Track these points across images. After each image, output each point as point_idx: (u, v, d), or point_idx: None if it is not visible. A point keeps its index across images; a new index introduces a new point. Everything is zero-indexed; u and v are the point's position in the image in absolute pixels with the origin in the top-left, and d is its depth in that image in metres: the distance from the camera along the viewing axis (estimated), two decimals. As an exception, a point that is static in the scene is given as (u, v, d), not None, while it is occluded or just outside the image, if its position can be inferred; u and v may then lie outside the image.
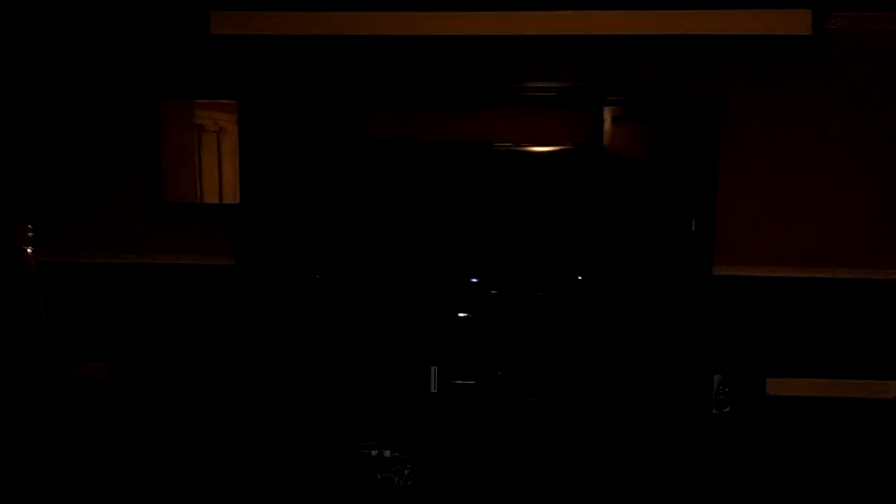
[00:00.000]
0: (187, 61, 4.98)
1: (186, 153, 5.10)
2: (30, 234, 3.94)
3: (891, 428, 4.45)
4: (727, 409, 4.47)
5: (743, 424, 4.40)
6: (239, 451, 3.97)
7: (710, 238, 4.50)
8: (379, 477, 3.57)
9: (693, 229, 4.49)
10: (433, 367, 4.43)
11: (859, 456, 4.03)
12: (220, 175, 5.12)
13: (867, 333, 4.85)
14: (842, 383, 4.88)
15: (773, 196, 4.81)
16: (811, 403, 4.78)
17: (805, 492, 3.58)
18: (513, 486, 3.60)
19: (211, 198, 5.10)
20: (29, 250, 3.93)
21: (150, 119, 5.03)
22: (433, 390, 4.43)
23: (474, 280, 4.65)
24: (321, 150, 4.72)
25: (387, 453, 3.73)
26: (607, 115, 4.47)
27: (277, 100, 4.74)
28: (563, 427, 4.23)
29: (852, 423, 4.52)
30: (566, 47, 4.61)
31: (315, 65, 4.87)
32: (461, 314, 4.56)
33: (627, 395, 4.43)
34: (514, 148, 4.69)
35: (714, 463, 3.88)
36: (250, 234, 4.83)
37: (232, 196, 5.09)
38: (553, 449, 4.03)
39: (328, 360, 4.56)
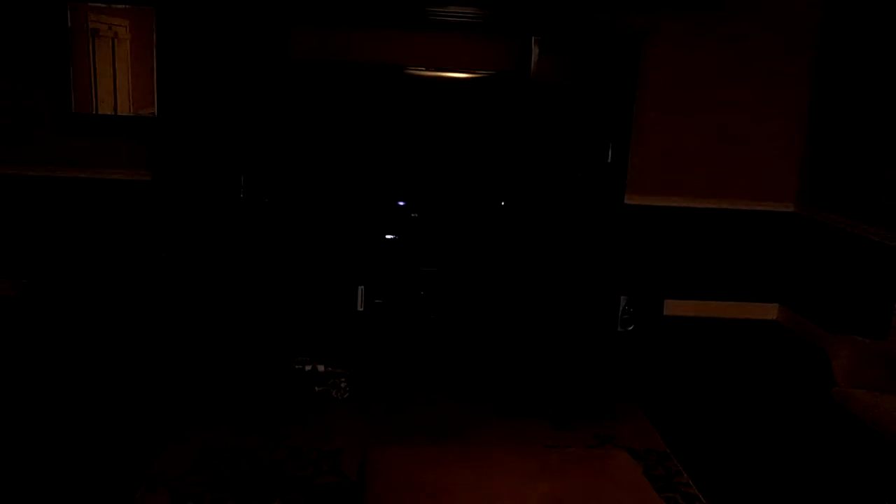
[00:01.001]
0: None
1: (85, 61, 4.86)
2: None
3: (771, 344, 4.98)
4: (631, 327, 4.85)
5: (644, 340, 4.81)
6: (166, 368, 3.99)
7: (623, 168, 4.77)
8: (317, 390, 3.70)
9: (609, 160, 4.74)
10: (360, 287, 4.54)
11: (744, 367, 4.52)
12: (114, 84, 4.93)
13: (754, 260, 5.33)
14: (730, 305, 5.36)
15: (682, 131, 5.12)
16: (703, 323, 5.25)
17: (696, 397, 4.01)
18: (439, 396, 3.83)
19: (106, 108, 4.91)
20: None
21: (58, 24, 4.74)
22: (360, 309, 4.55)
23: (402, 203, 4.75)
24: (244, 64, 4.60)
25: (321, 368, 3.86)
26: (535, 45, 4.58)
27: (199, 8, 4.56)
28: (484, 341, 4.48)
29: (739, 340, 5.03)
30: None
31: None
32: (388, 236, 4.68)
33: (543, 312, 4.71)
34: (440, 73, 4.75)
35: (620, 373, 4.26)
36: (168, 149, 4.70)
37: (127, 106, 4.92)
38: (474, 360, 4.28)
39: (253, 279, 4.58)
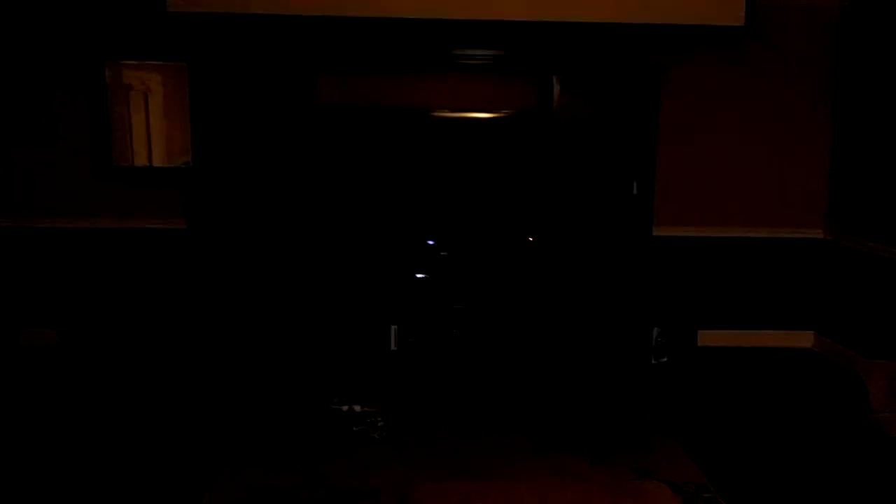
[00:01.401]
0: (132, 20, 4.89)
1: (122, 115, 5.04)
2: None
3: (807, 372, 4.94)
4: (664, 359, 4.85)
5: (678, 372, 4.80)
6: (204, 411, 4.07)
7: (649, 201, 4.81)
8: (354, 430, 3.75)
9: (635, 192, 4.78)
10: (393, 327, 4.61)
11: (780, 396, 4.48)
12: (148, 136, 5.09)
13: (786, 288, 5.31)
14: (764, 334, 5.34)
15: (705, 163, 5.17)
16: (737, 352, 5.22)
17: (733, 427, 3.99)
18: (475, 433, 3.86)
19: (141, 159, 5.08)
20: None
21: (96, 81, 4.94)
22: (394, 348, 4.61)
23: (431, 243, 4.83)
24: (273, 113, 4.73)
25: (357, 408, 3.91)
26: (556, 83, 4.68)
27: (228, 62, 4.73)
28: (518, 377, 4.51)
29: (774, 368, 4.99)
30: (514, 31, 4.75)
31: (266, 30, 4.87)
32: (419, 275, 4.75)
33: (575, 346, 4.73)
34: (465, 114, 4.87)
35: (655, 405, 4.25)
36: (203, 197, 4.83)
37: (161, 157, 5.08)
38: (509, 396, 4.31)
39: (290, 321, 4.67)
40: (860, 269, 4.87)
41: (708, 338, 5.26)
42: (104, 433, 3.80)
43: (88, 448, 3.63)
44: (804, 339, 5.35)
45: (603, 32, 4.72)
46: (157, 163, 5.07)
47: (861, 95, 4.89)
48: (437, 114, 4.88)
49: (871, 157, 4.78)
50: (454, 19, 4.58)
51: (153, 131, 5.07)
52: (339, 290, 4.71)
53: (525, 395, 4.33)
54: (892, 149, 4.58)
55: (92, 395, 4.28)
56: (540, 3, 4.58)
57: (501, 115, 4.89)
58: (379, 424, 3.78)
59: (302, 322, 4.66)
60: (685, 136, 5.12)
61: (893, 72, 4.57)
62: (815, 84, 5.13)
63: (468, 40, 4.83)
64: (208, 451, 3.59)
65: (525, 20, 4.61)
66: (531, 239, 4.82)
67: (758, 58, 5.07)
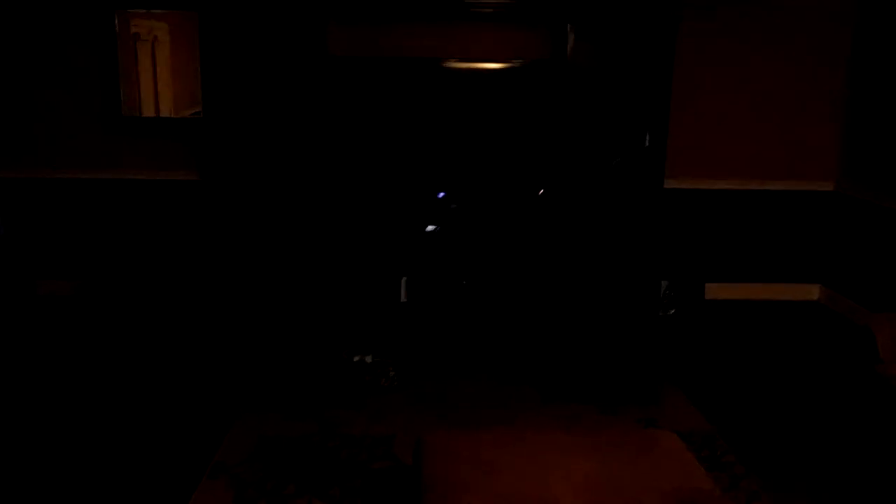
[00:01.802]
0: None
1: (130, 65, 5.01)
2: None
3: (813, 325, 4.98)
4: (672, 312, 4.88)
5: (686, 324, 4.84)
6: (218, 362, 4.13)
7: (662, 153, 4.77)
8: (367, 379, 3.81)
9: (647, 144, 4.75)
10: (403, 279, 4.64)
11: (787, 348, 4.53)
12: (155, 87, 5.07)
13: (794, 241, 5.31)
14: (771, 287, 5.36)
15: (717, 115, 5.13)
16: (744, 305, 5.25)
17: (739, 378, 4.04)
18: (485, 383, 3.92)
19: (148, 110, 5.06)
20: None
21: (106, 30, 4.90)
22: (404, 300, 4.65)
23: (441, 195, 4.83)
24: (284, 63, 4.69)
25: (368, 359, 3.97)
26: (570, 32, 4.61)
27: (239, 11, 4.67)
28: (527, 328, 4.54)
29: (780, 321, 5.02)
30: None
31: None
32: (429, 227, 4.76)
33: (585, 298, 4.75)
34: (476, 64, 4.81)
35: (663, 357, 4.30)
36: (215, 148, 4.83)
37: (168, 109, 5.06)
38: (518, 348, 4.36)
39: (301, 273, 4.70)
40: (869, 222, 4.86)
41: (716, 290, 5.28)
42: (117, 382, 3.87)
43: (101, 396, 3.70)
44: (811, 292, 5.37)
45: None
46: (164, 114, 5.06)
47: (875, 49, 4.82)
48: (448, 64, 4.83)
49: (884, 108, 4.73)
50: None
51: (160, 82, 5.04)
52: (350, 242, 4.73)
53: (534, 347, 4.38)
54: (908, 101, 4.54)
55: (106, 345, 4.35)
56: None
57: (514, 65, 4.83)
58: (390, 374, 3.84)
59: (313, 273, 4.69)
60: (697, 88, 5.07)
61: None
62: (830, 36, 5.05)
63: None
64: (223, 400, 3.66)
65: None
66: (542, 191, 4.81)
67: (772, 10, 4.98)
